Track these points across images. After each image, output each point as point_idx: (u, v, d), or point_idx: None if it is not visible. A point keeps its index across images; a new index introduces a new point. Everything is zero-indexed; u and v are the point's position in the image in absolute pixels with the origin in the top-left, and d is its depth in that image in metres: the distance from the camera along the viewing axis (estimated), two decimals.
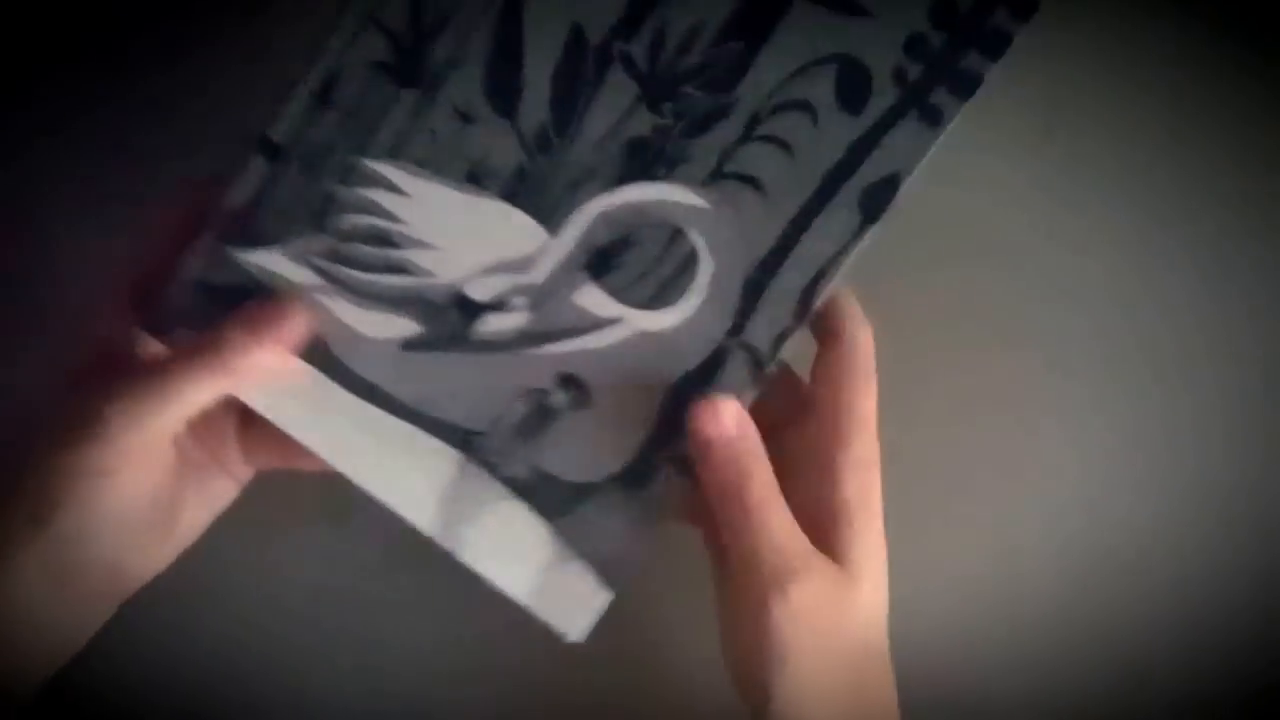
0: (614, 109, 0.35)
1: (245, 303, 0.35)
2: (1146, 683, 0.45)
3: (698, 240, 0.35)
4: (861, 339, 0.37)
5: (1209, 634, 0.45)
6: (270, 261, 0.36)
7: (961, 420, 0.43)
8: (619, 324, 0.36)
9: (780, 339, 0.35)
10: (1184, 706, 0.45)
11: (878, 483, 0.37)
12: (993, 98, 0.39)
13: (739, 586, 0.35)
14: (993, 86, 0.36)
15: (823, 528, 0.36)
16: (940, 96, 0.34)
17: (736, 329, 0.35)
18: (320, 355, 0.36)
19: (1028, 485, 0.44)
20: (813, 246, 0.35)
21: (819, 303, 0.35)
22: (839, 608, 0.35)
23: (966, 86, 0.34)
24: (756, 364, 0.36)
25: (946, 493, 0.44)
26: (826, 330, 0.37)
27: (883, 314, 0.37)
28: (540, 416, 0.36)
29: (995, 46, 0.34)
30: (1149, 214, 0.45)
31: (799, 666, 0.35)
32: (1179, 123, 0.45)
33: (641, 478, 0.36)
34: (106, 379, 0.35)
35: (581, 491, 0.37)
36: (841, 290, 0.36)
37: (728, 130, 0.35)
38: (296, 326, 0.36)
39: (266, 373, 0.35)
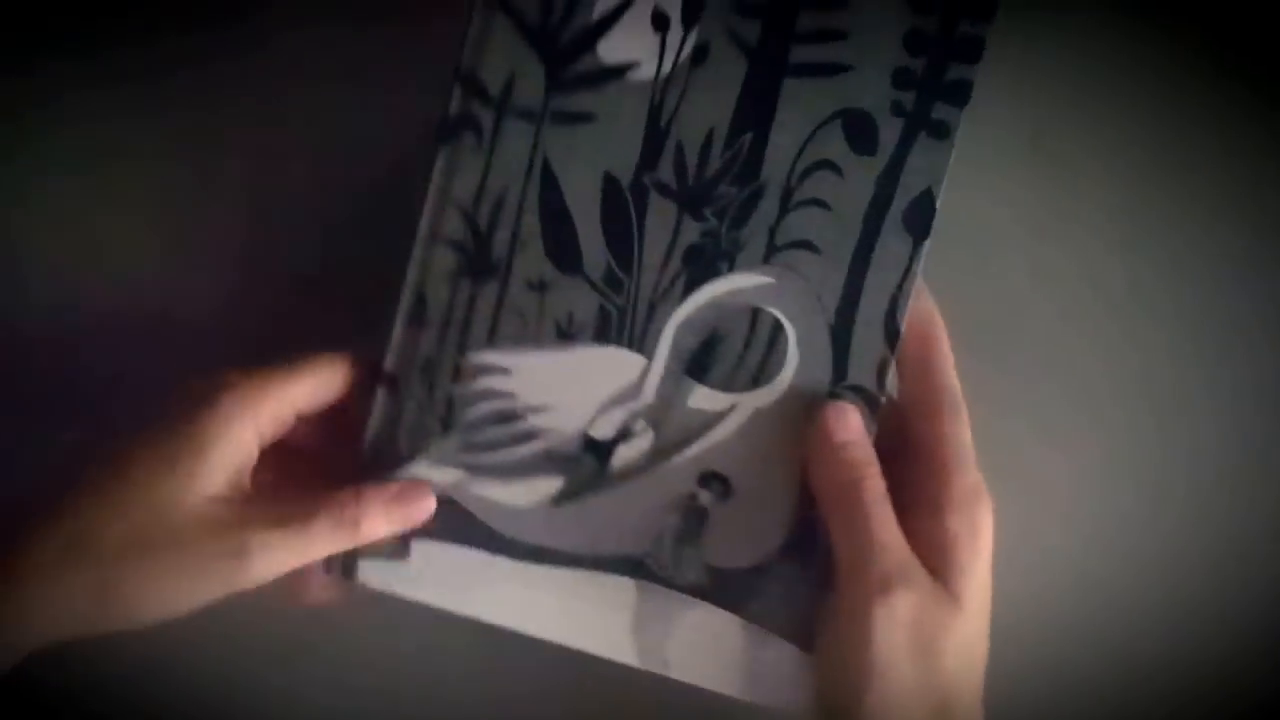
0: (663, 230, 0.38)
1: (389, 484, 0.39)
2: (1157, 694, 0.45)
3: (776, 313, 0.38)
4: (951, 369, 0.38)
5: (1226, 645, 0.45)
6: (417, 474, 0.40)
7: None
8: (734, 411, 0.38)
9: (882, 370, 0.38)
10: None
11: (985, 517, 0.37)
12: (979, 109, 0.41)
13: (843, 593, 0.36)
14: (979, 97, 0.39)
15: (930, 560, 0.36)
16: (940, 111, 0.37)
17: (840, 376, 0.38)
18: (482, 535, 0.39)
19: (1013, 493, 0.44)
20: (878, 279, 0.37)
21: (903, 327, 0.37)
22: (939, 627, 0.35)
23: (960, 95, 0.37)
24: (869, 401, 0.38)
25: None
26: (915, 361, 0.38)
27: None
28: (695, 519, 0.39)
29: (971, 52, 0.37)
30: (1137, 220, 0.45)
31: (892, 679, 0.35)
32: (1166, 128, 0.45)
33: (805, 541, 0.38)
34: (257, 506, 0.37)
35: (757, 573, 0.38)
36: (928, 318, 0.38)
37: (767, 210, 0.38)
38: (425, 509, 0.39)
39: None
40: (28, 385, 0.47)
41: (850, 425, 0.37)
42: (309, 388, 0.39)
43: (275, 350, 0.40)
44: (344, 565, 0.40)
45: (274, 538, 0.36)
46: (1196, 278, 0.45)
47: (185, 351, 0.45)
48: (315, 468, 0.41)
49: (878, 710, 0.35)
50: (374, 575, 0.40)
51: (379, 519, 0.38)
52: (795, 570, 0.38)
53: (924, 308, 0.38)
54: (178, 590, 0.36)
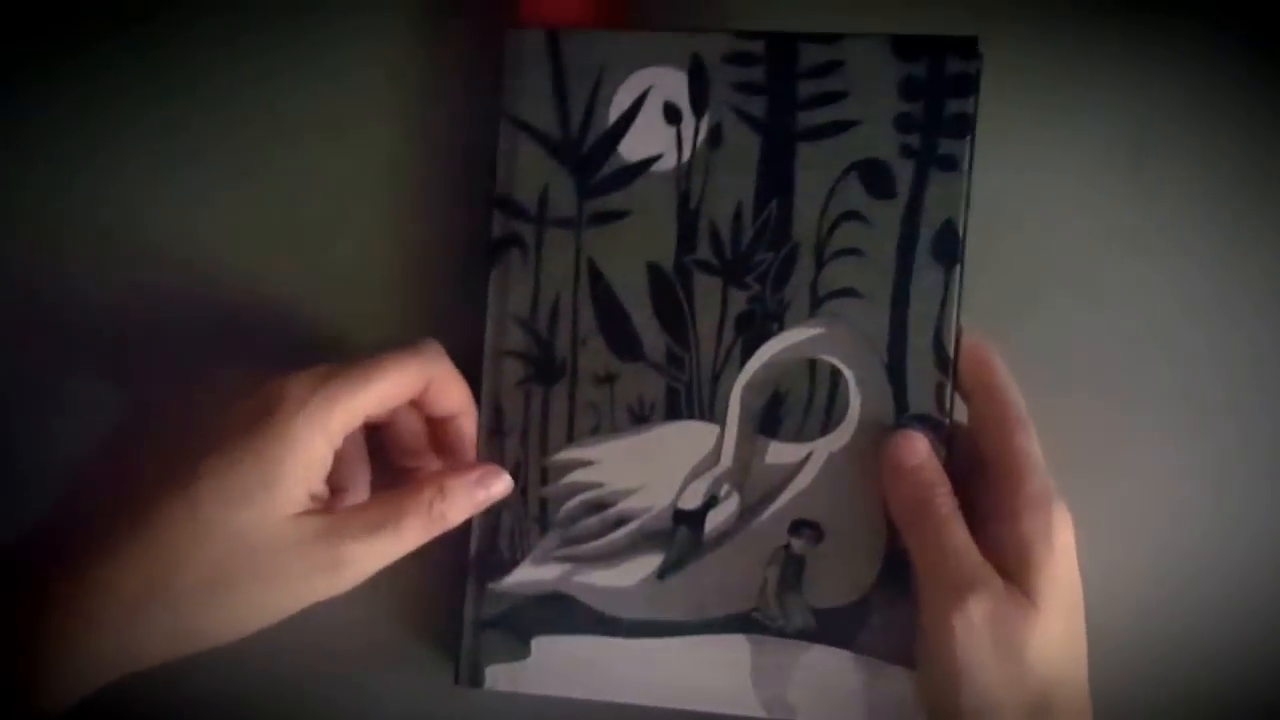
0: (712, 304, 0.41)
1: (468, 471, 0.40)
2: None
3: (832, 359, 0.40)
4: (1011, 386, 0.40)
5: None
6: (524, 576, 0.42)
7: (1058, 458, 0.41)
8: (810, 459, 0.40)
9: (940, 394, 0.40)
10: None
11: (1059, 519, 0.38)
12: (1082, 133, 0.45)
13: (924, 606, 0.38)
14: (1081, 121, 0.43)
15: (1005, 564, 0.38)
16: (946, 146, 0.40)
17: (902, 408, 0.40)
18: (593, 620, 0.41)
19: (1124, 525, 0.45)
20: (920, 310, 0.40)
21: (952, 350, 0.40)
22: (1018, 629, 0.36)
23: (961, 127, 0.40)
24: (934, 426, 0.40)
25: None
26: (976, 386, 0.40)
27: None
28: (793, 568, 0.40)
29: (964, 87, 0.39)
30: (1232, 240, 0.45)
31: (978, 681, 0.36)
32: (1264, 147, 0.45)
33: (899, 569, 0.40)
34: (340, 514, 0.37)
35: (859, 608, 0.40)
36: (978, 345, 0.40)
37: (804, 267, 0.40)
38: (503, 487, 0.41)
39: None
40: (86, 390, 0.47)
41: (917, 450, 0.39)
42: (381, 393, 0.38)
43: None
44: (471, 676, 0.42)
45: (366, 546, 0.36)
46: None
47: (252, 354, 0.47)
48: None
49: (970, 713, 0.36)
50: (502, 679, 0.42)
51: (464, 507, 0.39)
52: (893, 598, 0.40)
53: (971, 340, 0.40)
54: (264, 612, 0.36)
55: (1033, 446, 0.39)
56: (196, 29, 0.47)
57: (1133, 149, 0.45)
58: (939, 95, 0.40)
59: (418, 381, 0.39)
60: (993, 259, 0.43)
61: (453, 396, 0.41)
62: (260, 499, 0.35)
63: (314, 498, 0.37)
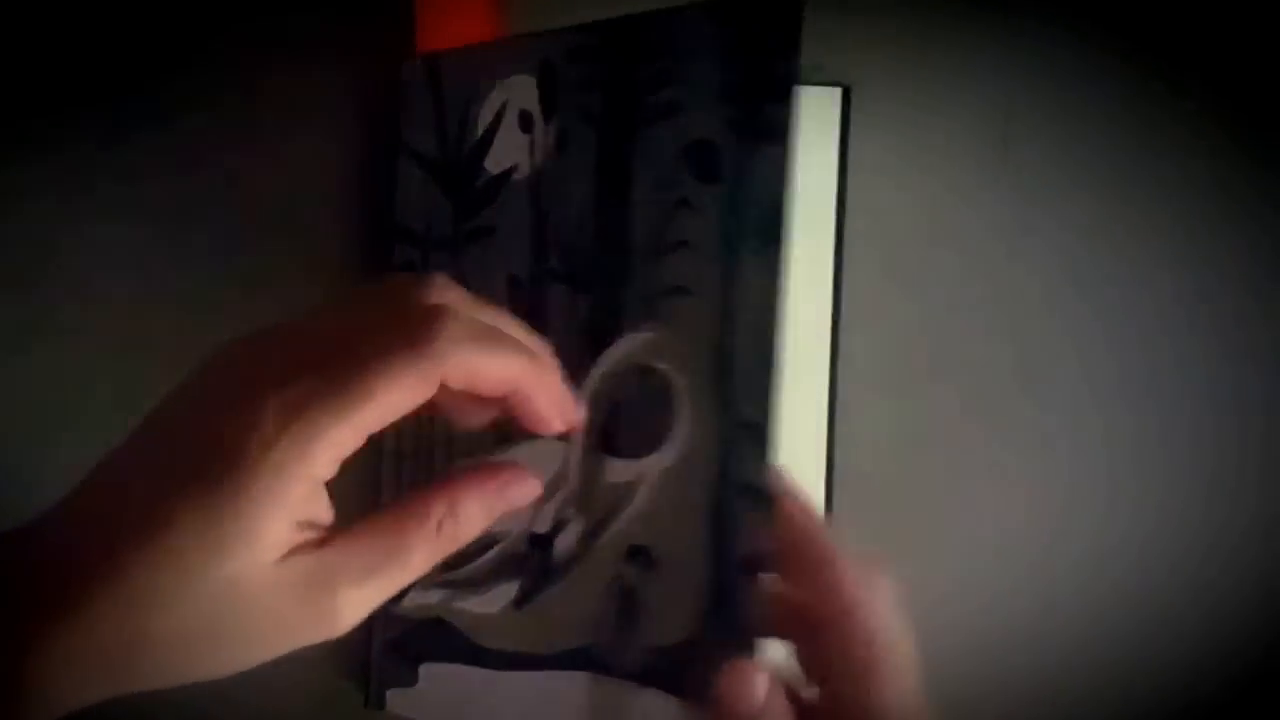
0: (565, 314, 0.39)
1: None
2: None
3: (661, 365, 0.36)
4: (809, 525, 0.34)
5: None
6: (413, 599, 0.42)
7: (938, 431, 0.44)
8: (644, 478, 0.36)
9: (765, 395, 0.34)
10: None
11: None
12: (950, 112, 0.45)
13: None
14: (949, 100, 0.42)
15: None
16: (769, 113, 0.34)
17: (731, 412, 0.34)
18: (469, 650, 0.40)
19: (993, 494, 0.45)
20: (747, 300, 0.34)
21: (778, 341, 0.34)
22: None
23: (783, 90, 0.34)
24: (758, 443, 0.34)
25: (923, 507, 0.45)
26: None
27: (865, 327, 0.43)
28: (628, 601, 0.36)
29: (788, 45, 0.34)
30: (1107, 217, 0.45)
31: None
32: (1135, 127, 0.45)
33: (725, 605, 0.34)
34: (335, 546, 0.31)
35: (689, 648, 0.35)
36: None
37: (642, 266, 0.37)
38: (529, 490, 0.34)
39: None
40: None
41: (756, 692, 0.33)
42: (371, 418, 0.31)
43: None
44: (376, 698, 0.42)
45: (364, 590, 0.31)
46: (1162, 282, 0.45)
47: None
48: None
49: None
50: (399, 703, 0.41)
51: (480, 522, 0.33)
52: (721, 639, 0.34)
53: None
54: (250, 658, 0.31)
55: (835, 557, 0.34)
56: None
57: (1001, 133, 0.45)
58: (760, 59, 0.35)
59: (421, 389, 0.31)
60: (869, 242, 0.44)
61: (490, 377, 0.32)
62: (241, 552, 0.30)
63: (305, 525, 0.32)
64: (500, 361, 0.32)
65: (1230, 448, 0.45)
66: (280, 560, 0.31)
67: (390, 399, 0.30)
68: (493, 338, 0.32)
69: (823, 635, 0.33)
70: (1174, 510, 0.45)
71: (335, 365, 0.30)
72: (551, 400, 0.34)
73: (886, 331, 0.45)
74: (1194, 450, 0.45)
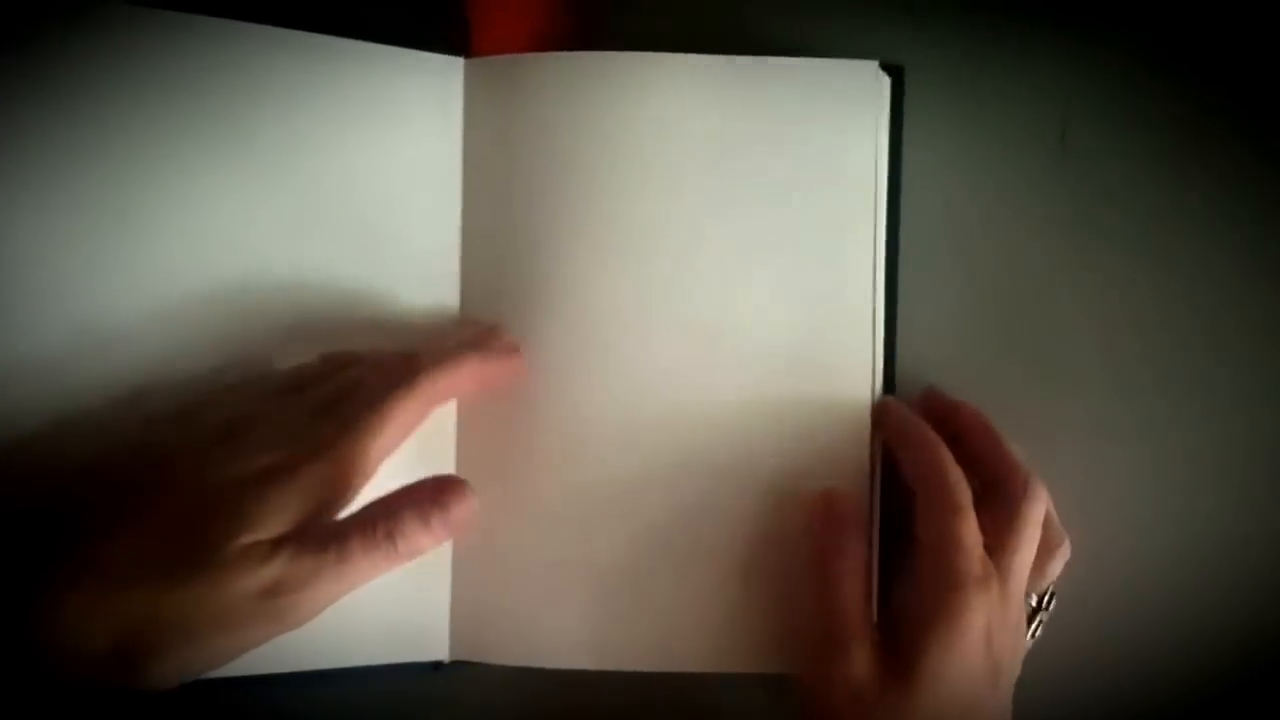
0: None
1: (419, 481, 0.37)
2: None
3: None
4: (955, 472, 0.40)
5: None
6: None
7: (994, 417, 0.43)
8: None
9: None
10: None
11: (970, 603, 0.37)
12: (1007, 104, 0.45)
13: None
14: (1007, 93, 0.44)
15: (900, 639, 0.38)
16: None
17: None
18: None
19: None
20: None
21: None
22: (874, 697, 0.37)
23: None
24: None
25: None
26: (918, 470, 0.41)
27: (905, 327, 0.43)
28: None
29: None
30: (1164, 223, 0.46)
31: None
32: (1192, 132, 0.46)
33: None
34: (284, 554, 0.34)
35: None
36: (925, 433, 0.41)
37: None
38: (466, 508, 0.37)
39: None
40: None
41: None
42: (375, 458, 0.36)
43: None
44: None
45: (310, 592, 0.33)
46: (1218, 281, 0.46)
47: None
48: None
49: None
50: None
51: (416, 530, 0.35)
52: None
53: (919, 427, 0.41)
54: (208, 664, 0.34)
55: (965, 531, 0.38)
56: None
57: (1059, 132, 0.45)
58: None
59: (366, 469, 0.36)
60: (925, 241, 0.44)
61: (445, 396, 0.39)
62: (196, 590, 0.33)
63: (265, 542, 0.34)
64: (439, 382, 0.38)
65: None
66: (234, 590, 0.33)
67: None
68: None
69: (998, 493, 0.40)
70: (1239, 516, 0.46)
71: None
72: None
73: (943, 319, 0.45)
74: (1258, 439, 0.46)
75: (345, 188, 0.41)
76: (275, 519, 0.34)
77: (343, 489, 0.35)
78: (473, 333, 0.41)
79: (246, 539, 0.33)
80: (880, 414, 0.42)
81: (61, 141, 0.38)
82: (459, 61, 0.43)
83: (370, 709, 0.43)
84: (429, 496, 0.36)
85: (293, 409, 0.37)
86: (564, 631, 0.41)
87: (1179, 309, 0.46)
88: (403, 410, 0.36)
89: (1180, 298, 0.46)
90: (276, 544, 0.33)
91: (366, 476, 0.36)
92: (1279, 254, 0.46)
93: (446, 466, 0.42)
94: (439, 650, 0.42)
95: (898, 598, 0.40)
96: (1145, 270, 0.45)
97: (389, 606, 0.41)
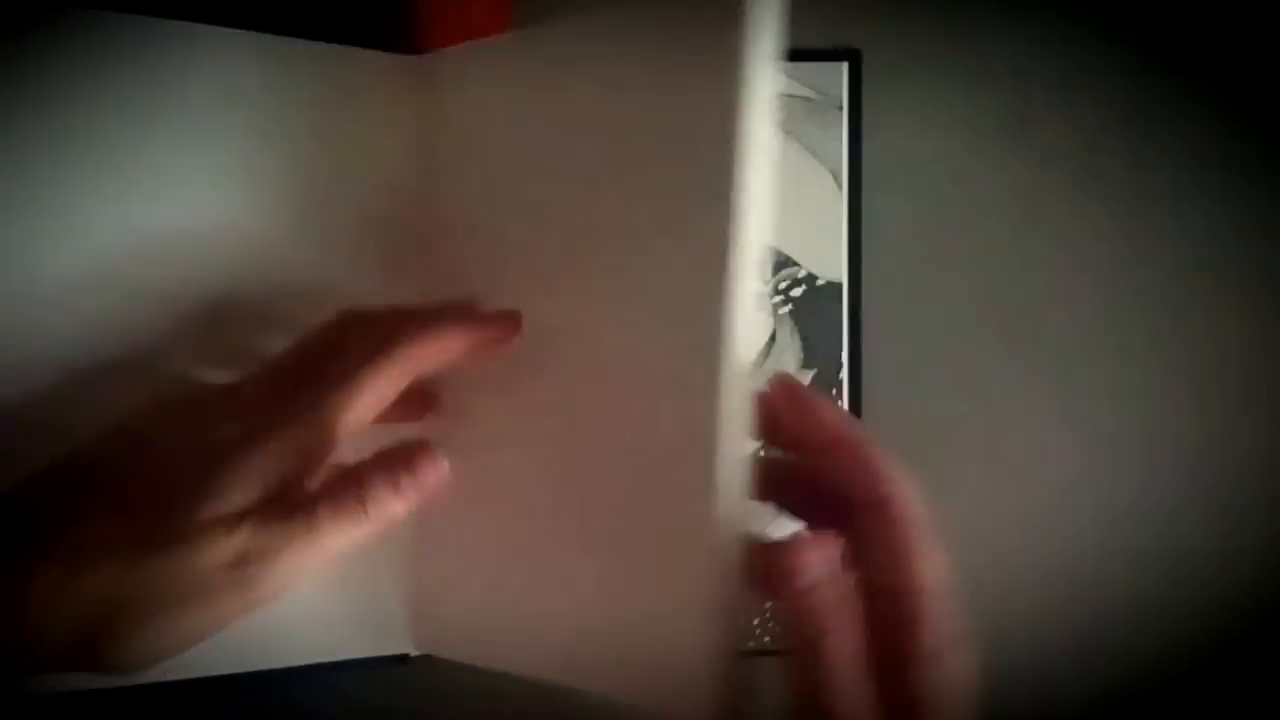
0: None
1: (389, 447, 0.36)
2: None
3: None
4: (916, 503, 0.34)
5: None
6: None
7: (948, 409, 0.45)
8: None
9: None
10: None
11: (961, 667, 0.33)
12: (966, 91, 0.46)
13: None
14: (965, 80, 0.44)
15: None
16: None
17: None
18: None
19: (1006, 469, 0.46)
20: None
21: None
22: None
23: None
24: None
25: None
26: (870, 498, 0.33)
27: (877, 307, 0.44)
28: None
29: None
30: (1123, 200, 0.47)
31: None
32: (1152, 106, 0.47)
33: None
34: (251, 525, 0.33)
35: None
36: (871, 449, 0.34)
37: None
38: (436, 473, 0.36)
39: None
40: None
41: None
42: (347, 429, 0.34)
43: None
44: None
45: (277, 563, 0.32)
46: (1173, 260, 0.47)
47: None
48: None
49: None
50: None
51: (386, 496, 0.34)
52: None
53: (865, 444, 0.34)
54: (181, 642, 0.33)
55: (938, 580, 0.33)
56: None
57: (1017, 115, 0.47)
58: None
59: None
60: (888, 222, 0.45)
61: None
62: (161, 563, 0.32)
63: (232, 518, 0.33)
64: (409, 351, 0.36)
65: (1238, 410, 0.47)
66: (200, 566, 0.32)
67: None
68: None
69: (860, 519, 0.33)
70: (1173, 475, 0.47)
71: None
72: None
73: (906, 300, 0.46)
74: (1203, 411, 0.47)
75: (305, 181, 0.41)
76: (241, 490, 0.33)
77: (311, 460, 0.34)
78: (462, 304, 0.39)
79: (212, 511, 0.32)
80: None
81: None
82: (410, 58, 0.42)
83: (340, 704, 0.43)
84: (399, 461, 0.35)
85: (264, 379, 0.36)
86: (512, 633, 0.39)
87: (1138, 282, 0.47)
88: (376, 381, 0.35)
89: (1139, 271, 0.47)
90: (242, 515, 0.33)
91: (335, 447, 0.35)
92: (1232, 229, 0.47)
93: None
94: (403, 644, 0.41)
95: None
96: (1103, 246, 0.47)
97: (351, 601, 0.40)
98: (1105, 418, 0.46)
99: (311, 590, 0.39)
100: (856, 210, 0.44)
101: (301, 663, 0.40)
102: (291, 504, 0.33)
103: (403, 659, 0.41)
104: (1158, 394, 0.47)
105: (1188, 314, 0.47)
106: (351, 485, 0.34)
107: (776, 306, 0.42)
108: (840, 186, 0.42)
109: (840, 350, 0.43)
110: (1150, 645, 0.46)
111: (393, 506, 0.35)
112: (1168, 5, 0.46)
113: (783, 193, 0.41)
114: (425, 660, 0.41)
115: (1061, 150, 0.46)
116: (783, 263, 0.42)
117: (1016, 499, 0.45)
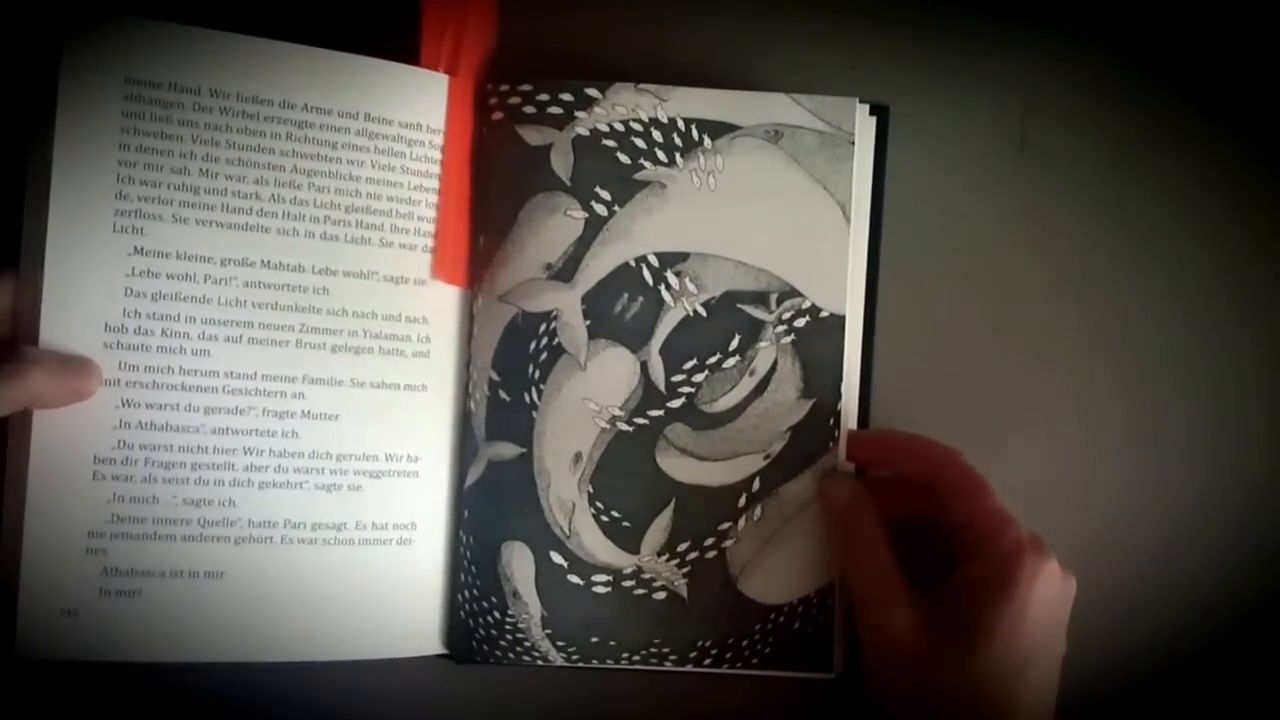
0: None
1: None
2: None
3: None
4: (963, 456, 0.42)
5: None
6: None
7: (950, 425, 0.45)
8: None
9: None
10: None
11: (1041, 570, 0.40)
12: (967, 112, 0.47)
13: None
14: (967, 102, 0.44)
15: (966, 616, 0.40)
16: None
17: None
18: None
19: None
20: None
21: None
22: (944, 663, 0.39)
23: None
24: None
25: None
26: (929, 465, 0.43)
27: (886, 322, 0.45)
28: None
29: None
30: (1122, 219, 0.48)
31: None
32: (1152, 129, 0.48)
33: None
34: None
35: None
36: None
37: None
38: (93, 382, 0.38)
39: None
40: None
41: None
42: None
43: None
44: None
45: None
46: (1180, 275, 0.48)
47: None
48: None
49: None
50: None
51: (46, 378, 0.37)
52: None
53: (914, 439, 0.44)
54: None
55: (1005, 505, 0.41)
56: None
57: (1018, 128, 0.48)
58: None
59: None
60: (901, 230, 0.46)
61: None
62: None
63: None
64: None
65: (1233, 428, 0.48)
66: None
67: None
68: None
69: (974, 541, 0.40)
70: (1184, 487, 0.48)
71: None
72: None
73: (916, 316, 0.47)
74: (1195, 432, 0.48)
75: (338, 192, 0.43)
76: None
77: None
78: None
79: None
80: (853, 442, 0.43)
81: None
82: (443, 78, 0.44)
83: (368, 702, 0.45)
84: (65, 361, 0.38)
85: None
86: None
87: (1152, 313, 0.48)
88: None
89: (1134, 290, 0.48)
90: None
91: None
92: (1226, 247, 0.48)
93: None
94: (432, 645, 0.43)
95: (960, 573, 0.41)
96: (1099, 265, 0.48)
97: (383, 604, 0.43)
98: (1104, 423, 0.48)
99: (347, 590, 0.42)
100: (875, 249, 0.44)
101: (335, 659, 0.42)
102: None
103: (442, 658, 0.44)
104: (1156, 411, 0.48)
105: (1181, 328, 0.48)
106: (26, 355, 0.37)
107: (779, 336, 0.42)
108: (848, 219, 0.42)
109: (840, 381, 0.43)
110: (1165, 644, 0.48)
111: (47, 392, 0.37)
112: (1165, 32, 0.48)
113: (791, 223, 0.42)
114: (453, 661, 0.44)
115: (1059, 172, 0.48)
116: (787, 293, 0.42)
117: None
